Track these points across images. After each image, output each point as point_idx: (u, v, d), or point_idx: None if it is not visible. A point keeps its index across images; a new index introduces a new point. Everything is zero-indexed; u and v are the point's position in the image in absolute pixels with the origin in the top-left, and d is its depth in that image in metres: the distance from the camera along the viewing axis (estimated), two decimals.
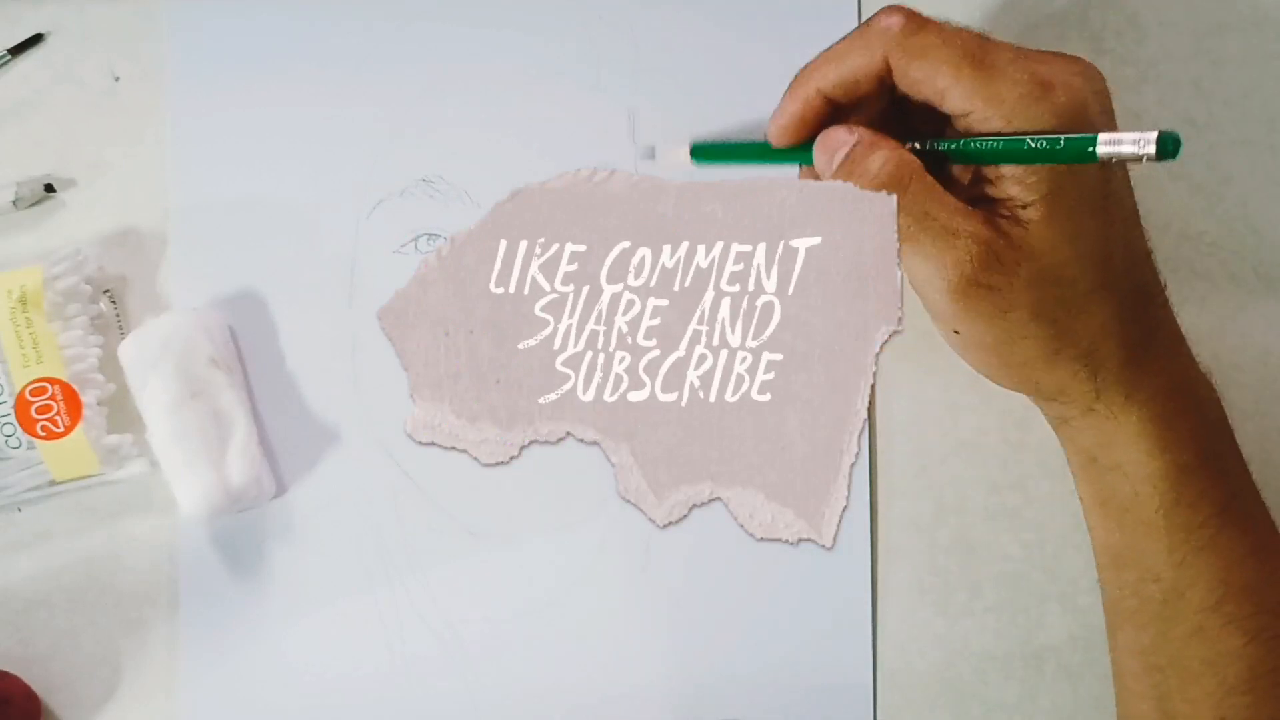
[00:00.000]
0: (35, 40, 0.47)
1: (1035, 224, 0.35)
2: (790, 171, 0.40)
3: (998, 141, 0.35)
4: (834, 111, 0.38)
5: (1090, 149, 0.33)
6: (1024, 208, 0.35)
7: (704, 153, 0.43)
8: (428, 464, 0.46)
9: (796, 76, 0.38)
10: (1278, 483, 0.45)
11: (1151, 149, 0.32)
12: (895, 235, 0.35)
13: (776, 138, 0.39)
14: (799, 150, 0.39)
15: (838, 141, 0.37)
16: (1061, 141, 0.34)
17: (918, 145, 0.37)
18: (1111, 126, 0.36)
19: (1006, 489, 0.45)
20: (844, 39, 0.37)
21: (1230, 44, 0.46)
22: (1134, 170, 0.46)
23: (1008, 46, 0.36)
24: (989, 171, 0.36)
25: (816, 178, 0.39)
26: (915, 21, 0.35)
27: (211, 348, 0.45)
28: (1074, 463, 0.39)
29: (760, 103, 0.45)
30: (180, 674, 0.46)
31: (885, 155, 0.36)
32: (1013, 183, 0.35)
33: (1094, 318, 0.36)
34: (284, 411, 0.46)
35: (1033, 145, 0.34)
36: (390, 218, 0.46)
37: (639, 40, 0.46)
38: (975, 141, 0.35)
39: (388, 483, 0.46)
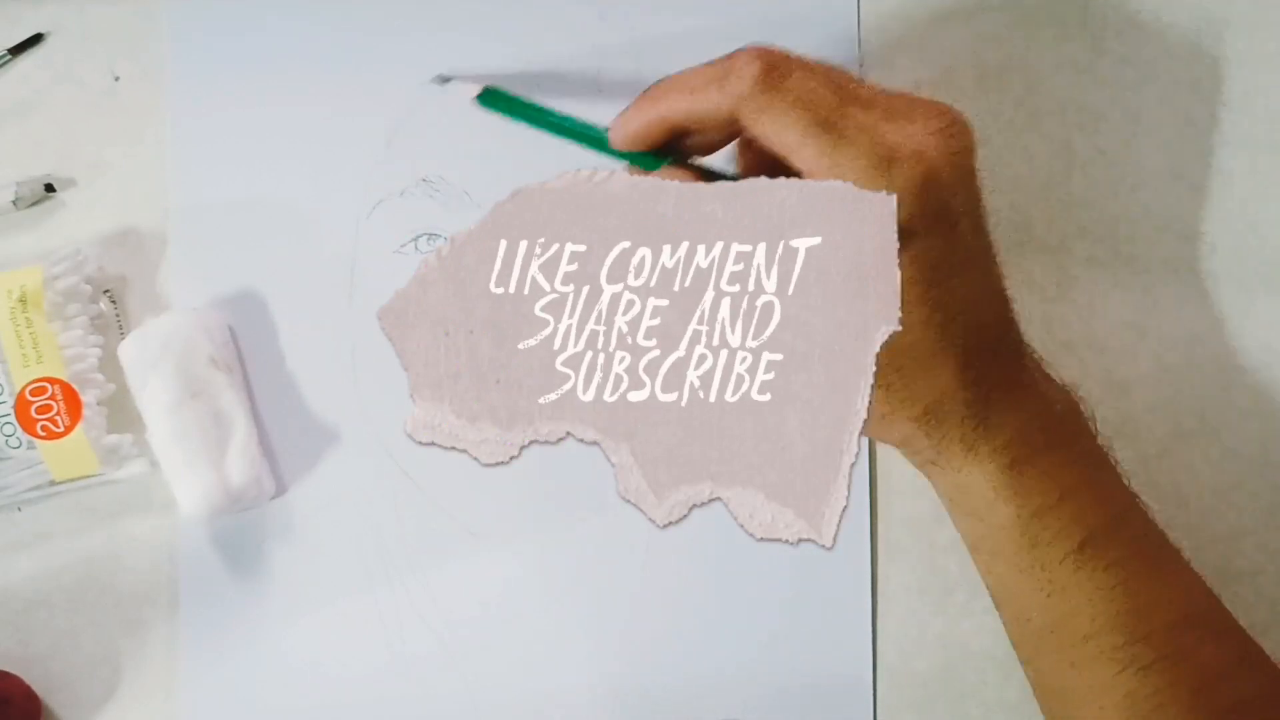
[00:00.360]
0: (35, 40, 0.47)
1: None
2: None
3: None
4: (676, 138, 0.37)
5: None
6: None
7: (493, 99, 0.42)
8: (428, 464, 0.46)
9: (648, 92, 0.37)
10: (1278, 484, 0.45)
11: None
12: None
13: (619, 141, 0.38)
14: (600, 142, 0.39)
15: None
16: None
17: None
18: (972, 190, 0.36)
19: None
20: (700, 71, 0.36)
21: (1230, 44, 0.46)
22: (1134, 170, 0.46)
23: (864, 104, 0.35)
24: None
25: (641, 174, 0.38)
26: (771, 75, 0.34)
27: (211, 348, 0.45)
28: (944, 505, 0.40)
29: None
30: (180, 674, 0.46)
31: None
32: None
33: (935, 379, 0.36)
34: (284, 411, 0.46)
35: None
36: (390, 218, 0.46)
37: (639, 40, 0.46)
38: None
39: (388, 483, 0.46)
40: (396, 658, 0.46)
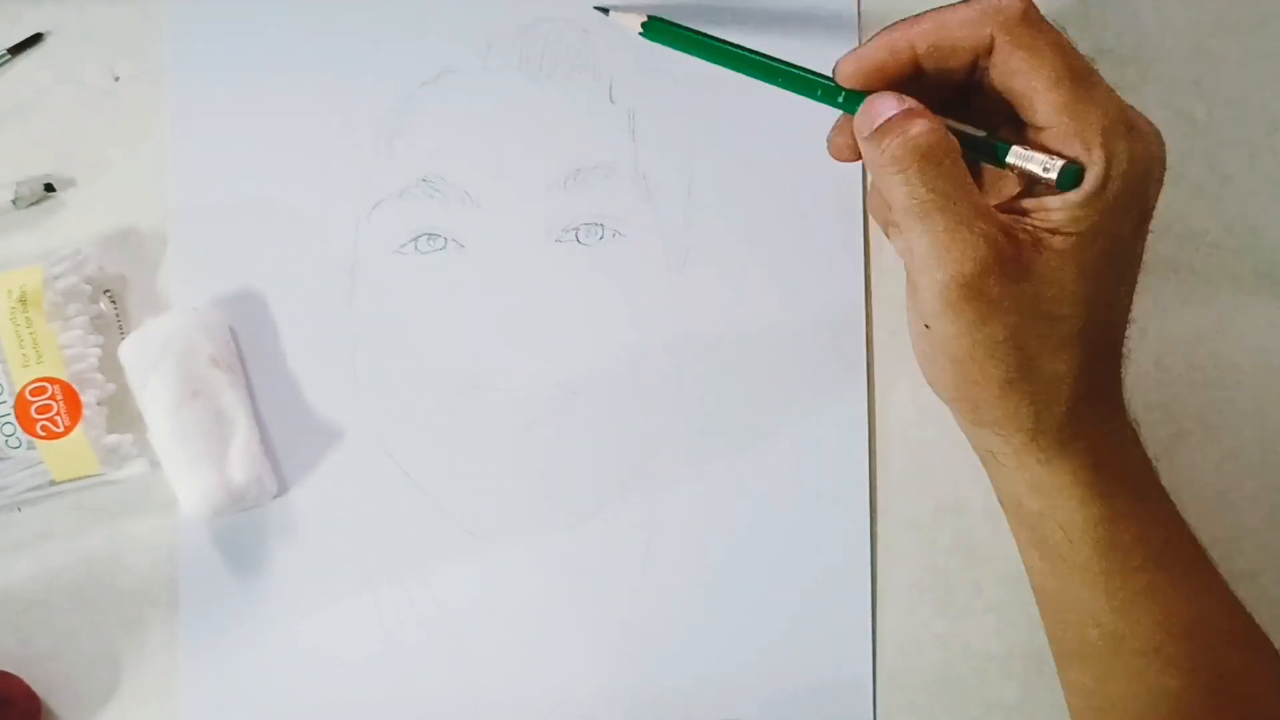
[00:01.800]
0: (35, 40, 0.47)
1: (1056, 254, 0.34)
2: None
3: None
4: (911, 75, 0.36)
5: (1006, 149, 0.35)
6: (1054, 234, 0.34)
7: (660, 31, 0.41)
8: (428, 464, 0.46)
9: (892, 25, 0.37)
10: (1278, 485, 0.45)
11: (1054, 174, 0.34)
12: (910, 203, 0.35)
13: (848, 77, 0.37)
14: (777, 73, 0.39)
15: (885, 107, 0.36)
16: (985, 134, 0.36)
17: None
18: (1154, 196, 0.36)
19: None
20: (955, 4, 0.36)
21: (1230, 44, 0.46)
22: None
23: (1104, 82, 0.36)
24: (1040, 190, 0.35)
25: (845, 147, 0.38)
26: (1034, 12, 0.35)
27: (212, 347, 0.45)
28: (1003, 502, 0.39)
29: (760, 102, 0.46)
30: (180, 674, 0.46)
31: (928, 125, 0.35)
32: (1058, 210, 0.34)
33: (1060, 361, 0.35)
34: (284, 411, 0.46)
35: (968, 132, 0.36)
36: (390, 218, 0.46)
37: (639, 40, 0.46)
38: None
39: (388, 483, 0.46)
40: (396, 658, 0.46)
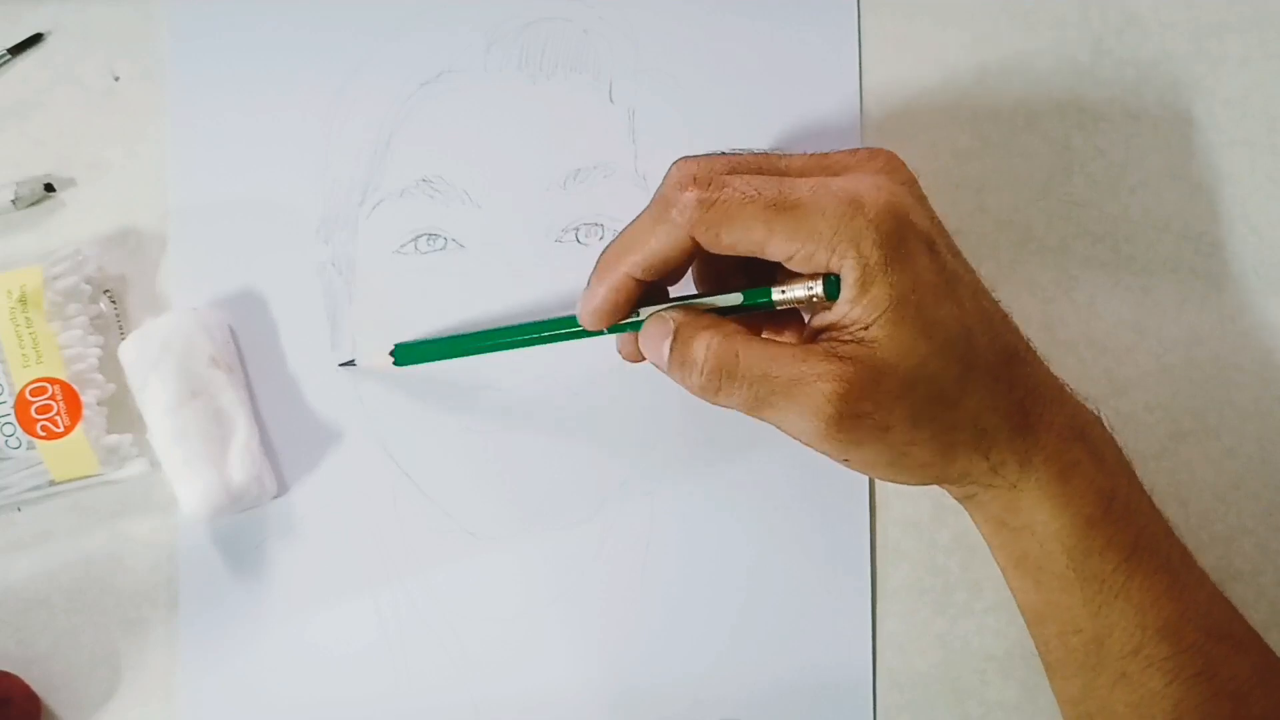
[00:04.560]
0: (35, 40, 0.47)
1: (882, 340, 0.34)
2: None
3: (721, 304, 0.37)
4: (648, 287, 0.38)
5: (766, 299, 0.36)
6: (866, 328, 0.35)
7: (406, 354, 0.44)
8: (428, 464, 0.46)
9: (600, 262, 0.38)
10: (1278, 482, 0.45)
11: (820, 290, 0.35)
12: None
13: (593, 322, 0.39)
14: (569, 327, 0.40)
15: (659, 335, 0.37)
16: (742, 297, 0.37)
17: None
18: (933, 214, 0.37)
19: None
20: (640, 221, 0.37)
21: (1230, 44, 0.46)
22: (1134, 170, 0.46)
23: (801, 172, 0.36)
24: (820, 305, 0.36)
25: (634, 352, 0.39)
26: (709, 190, 0.35)
27: (212, 347, 0.45)
28: (985, 530, 0.39)
29: (760, 102, 0.46)
30: (180, 674, 0.46)
31: (705, 342, 0.36)
32: (848, 307, 0.35)
33: (972, 399, 0.36)
34: (284, 411, 0.46)
35: (729, 304, 0.37)
36: (390, 218, 0.46)
37: (639, 40, 0.46)
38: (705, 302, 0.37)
39: (388, 483, 0.46)
40: (396, 657, 0.46)
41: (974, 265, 0.38)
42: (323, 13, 0.47)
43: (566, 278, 0.46)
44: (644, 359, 0.39)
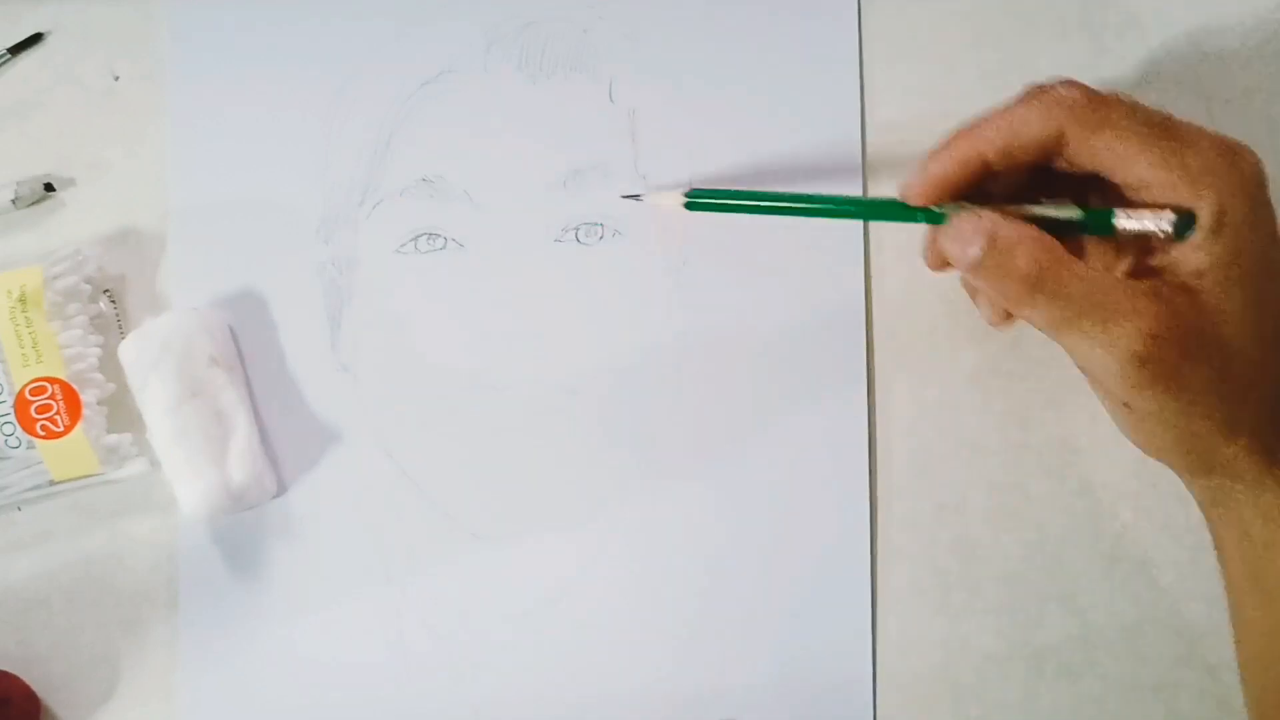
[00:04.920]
0: (35, 40, 0.47)
1: (1209, 296, 0.34)
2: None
3: (1041, 215, 0.35)
4: (983, 182, 0.36)
5: (1107, 223, 0.35)
6: (1200, 276, 0.34)
7: (701, 198, 0.42)
8: (428, 464, 0.46)
9: (955, 134, 0.36)
10: None
11: (1168, 225, 0.34)
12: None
13: (919, 194, 0.37)
14: (838, 205, 0.39)
15: (970, 233, 0.35)
16: (1080, 213, 0.35)
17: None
18: (1267, 202, 0.35)
19: (1006, 489, 0.45)
20: (1013, 105, 0.36)
21: (1230, 44, 0.46)
22: None
23: (1181, 121, 0.35)
24: (1153, 243, 0.35)
25: (938, 259, 0.38)
26: (1096, 93, 0.35)
27: (212, 347, 0.45)
28: (1225, 538, 0.38)
29: (760, 102, 0.46)
30: (180, 674, 0.46)
31: (1029, 251, 0.34)
32: (1192, 251, 0.34)
33: (1268, 388, 0.35)
34: (284, 411, 0.46)
35: (1062, 216, 0.35)
36: (390, 218, 0.46)
37: (639, 40, 0.46)
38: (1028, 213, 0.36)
39: (388, 483, 0.46)
40: (396, 658, 0.46)
41: None
42: (323, 13, 0.47)
43: (567, 278, 0.46)
44: (950, 269, 0.37)
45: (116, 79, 0.47)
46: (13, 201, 0.46)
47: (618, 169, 0.46)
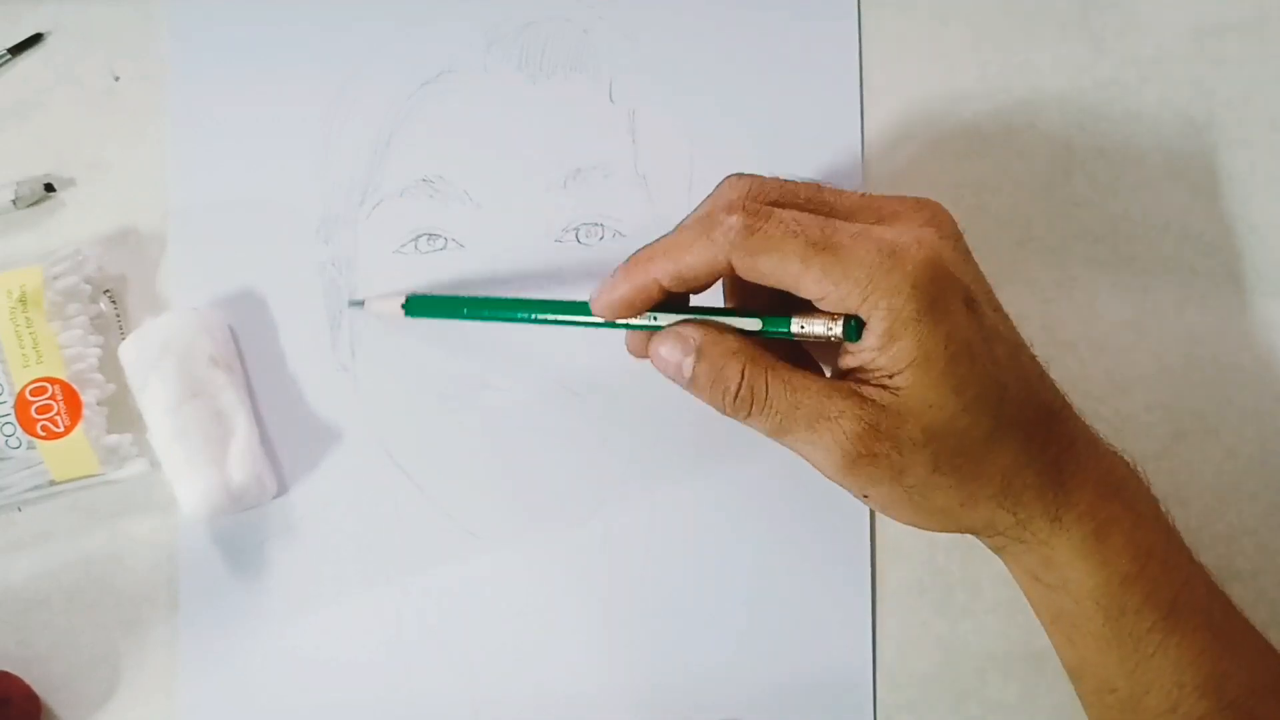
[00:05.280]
0: (35, 40, 0.47)
1: (909, 390, 0.34)
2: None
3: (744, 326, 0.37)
4: (669, 295, 0.38)
5: (785, 330, 0.36)
6: (891, 377, 0.34)
7: (418, 306, 0.44)
8: (428, 464, 0.46)
9: (631, 260, 0.37)
10: (1278, 482, 0.45)
11: (839, 330, 0.35)
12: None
13: (607, 313, 0.38)
14: (534, 310, 0.40)
15: (679, 353, 0.37)
16: (761, 323, 0.37)
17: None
18: (976, 269, 0.37)
19: None
20: (682, 233, 0.36)
21: (1230, 44, 0.46)
22: (1134, 170, 0.46)
23: (848, 215, 0.36)
24: (847, 346, 0.36)
25: (642, 348, 0.39)
26: (755, 218, 0.35)
27: (212, 347, 0.45)
28: (1020, 581, 0.39)
29: (760, 102, 0.46)
30: (180, 674, 0.46)
31: (736, 367, 0.36)
32: (875, 354, 0.35)
33: (1001, 456, 0.35)
34: (284, 411, 0.46)
35: (746, 328, 0.37)
36: (390, 218, 0.46)
37: (639, 40, 0.46)
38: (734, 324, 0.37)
39: (388, 483, 0.46)
40: (396, 657, 0.46)
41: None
42: (323, 13, 0.47)
43: (566, 278, 0.46)
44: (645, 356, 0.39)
45: (116, 79, 0.47)
46: (13, 201, 0.46)
47: (618, 169, 0.46)
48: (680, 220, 0.38)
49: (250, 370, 0.46)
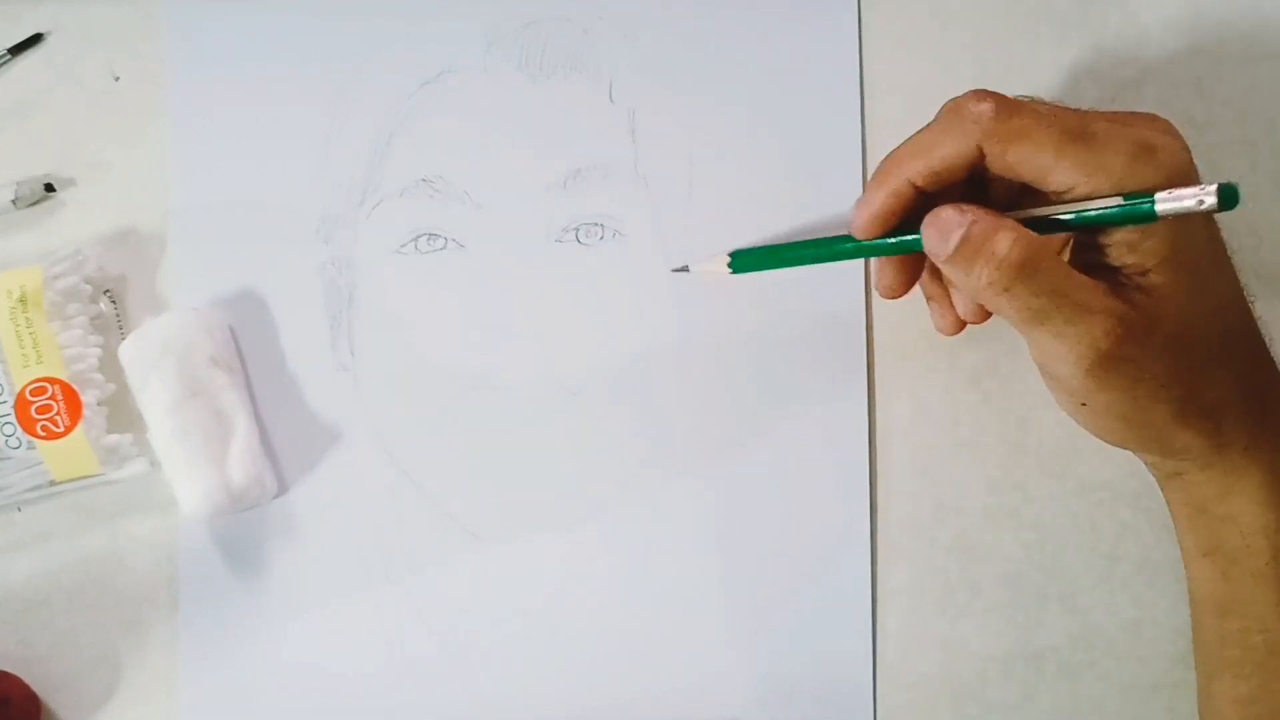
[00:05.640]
0: (35, 40, 0.47)
1: (1161, 288, 0.34)
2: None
3: (1073, 213, 0.35)
4: (922, 199, 0.37)
5: (1150, 206, 0.33)
6: (1144, 274, 0.34)
7: (745, 261, 0.43)
8: (428, 464, 0.46)
9: (881, 166, 0.37)
10: None
11: (1213, 200, 0.33)
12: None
13: (864, 230, 0.38)
14: (855, 246, 0.39)
15: (951, 223, 0.35)
16: (1122, 199, 0.34)
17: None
18: (1197, 180, 0.36)
19: (1006, 489, 0.45)
20: (931, 126, 0.36)
21: (1230, 44, 0.46)
22: None
23: (1098, 115, 0.35)
24: (1101, 239, 0.35)
25: (895, 270, 0.38)
26: (1006, 106, 0.35)
27: (212, 347, 0.45)
28: (1180, 514, 0.38)
29: (760, 102, 0.46)
30: (180, 674, 0.46)
31: (1012, 236, 0.34)
32: (1129, 250, 0.34)
33: (1220, 374, 0.35)
34: (284, 411, 0.46)
35: (1099, 211, 0.34)
36: (390, 218, 0.46)
37: (639, 40, 0.46)
38: (1063, 214, 0.35)
39: (388, 483, 0.46)
40: (396, 658, 0.46)
41: None
42: (323, 13, 0.47)
43: (567, 278, 0.46)
44: (903, 294, 0.38)
45: (116, 79, 0.47)
46: (13, 201, 0.46)
47: (618, 169, 0.46)
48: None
49: (250, 370, 0.46)
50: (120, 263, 0.47)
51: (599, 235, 0.46)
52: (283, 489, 0.46)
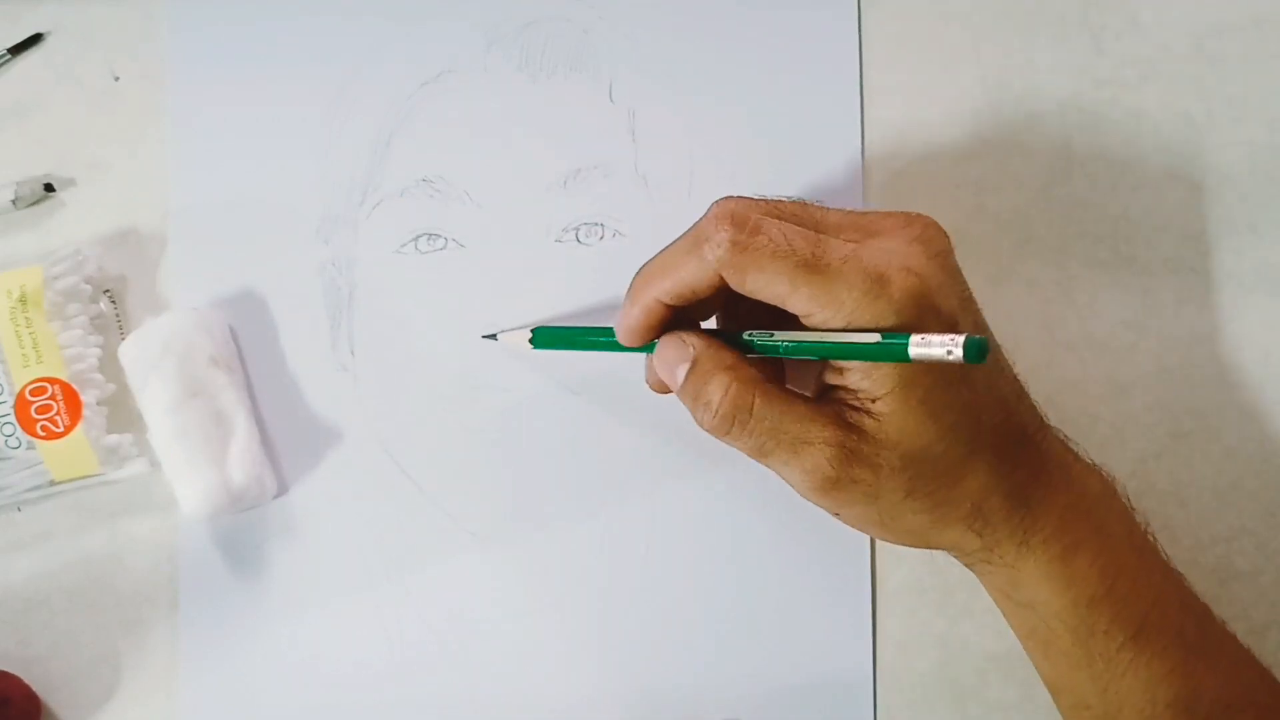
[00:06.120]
0: (35, 40, 0.47)
1: (889, 416, 0.35)
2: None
3: (824, 343, 0.35)
4: (678, 311, 0.38)
5: (904, 350, 0.33)
6: (875, 400, 0.35)
7: (544, 338, 0.44)
8: (428, 464, 0.46)
9: (634, 283, 0.38)
10: (1278, 484, 0.45)
11: (959, 352, 0.32)
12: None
13: (626, 340, 0.39)
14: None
15: (672, 360, 0.37)
16: (877, 342, 0.34)
17: (755, 341, 0.37)
18: (963, 287, 0.36)
19: None
20: (675, 248, 0.37)
21: (1230, 44, 0.46)
22: (1134, 170, 0.46)
23: (837, 232, 0.36)
24: (833, 364, 0.36)
25: (657, 382, 0.39)
26: (743, 232, 0.35)
27: (212, 347, 0.45)
28: (993, 597, 0.39)
29: (760, 103, 0.46)
30: (180, 674, 0.46)
31: (724, 387, 0.36)
32: (859, 376, 0.35)
33: (972, 481, 0.36)
34: (284, 411, 0.46)
35: (855, 345, 0.34)
36: (390, 218, 0.46)
37: (639, 40, 0.46)
38: (806, 341, 0.35)
39: (388, 483, 0.46)
40: (396, 657, 0.46)
41: (974, 265, 0.38)
42: (323, 13, 0.47)
43: (567, 278, 0.46)
44: (666, 390, 0.39)
45: (116, 79, 0.47)
46: (13, 201, 0.46)
47: (618, 169, 0.46)
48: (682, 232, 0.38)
49: (250, 370, 0.46)
50: (120, 263, 0.47)
51: (599, 235, 0.46)
52: (283, 489, 0.46)
